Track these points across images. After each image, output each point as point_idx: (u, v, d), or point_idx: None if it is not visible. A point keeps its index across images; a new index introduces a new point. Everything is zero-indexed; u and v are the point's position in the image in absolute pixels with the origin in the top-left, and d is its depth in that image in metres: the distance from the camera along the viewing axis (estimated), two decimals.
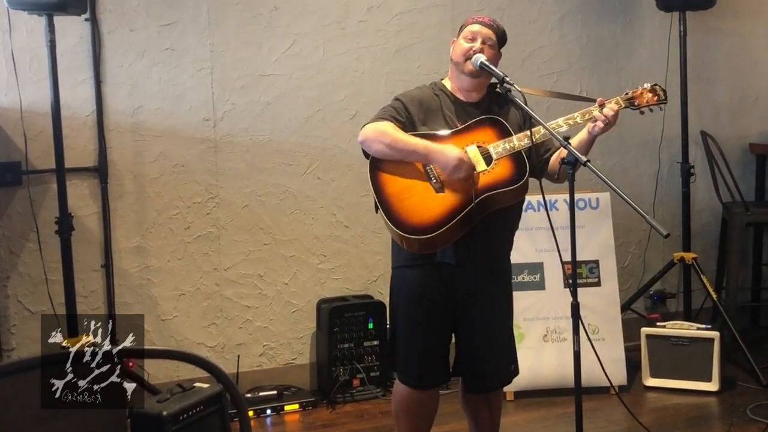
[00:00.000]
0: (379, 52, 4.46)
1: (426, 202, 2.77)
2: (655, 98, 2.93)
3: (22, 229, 3.94)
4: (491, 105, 2.95)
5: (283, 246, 4.36)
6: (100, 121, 4.03)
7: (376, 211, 2.83)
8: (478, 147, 2.83)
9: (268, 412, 4.10)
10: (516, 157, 2.83)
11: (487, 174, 2.80)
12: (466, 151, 2.80)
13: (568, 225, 2.73)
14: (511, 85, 2.81)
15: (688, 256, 4.67)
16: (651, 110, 2.96)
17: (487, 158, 2.82)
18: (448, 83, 2.99)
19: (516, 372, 3.10)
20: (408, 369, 2.99)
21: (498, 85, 2.88)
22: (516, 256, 4.31)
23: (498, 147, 2.82)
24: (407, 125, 2.85)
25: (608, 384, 4.03)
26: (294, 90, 4.33)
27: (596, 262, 4.36)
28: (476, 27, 2.91)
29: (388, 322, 3.57)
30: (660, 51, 4.90)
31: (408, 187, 2.80)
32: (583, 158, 2.61)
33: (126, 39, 4.04)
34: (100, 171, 4.03)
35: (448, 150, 2.76)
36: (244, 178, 4.28)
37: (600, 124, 2.81)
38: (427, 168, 2.81)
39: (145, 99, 4.10)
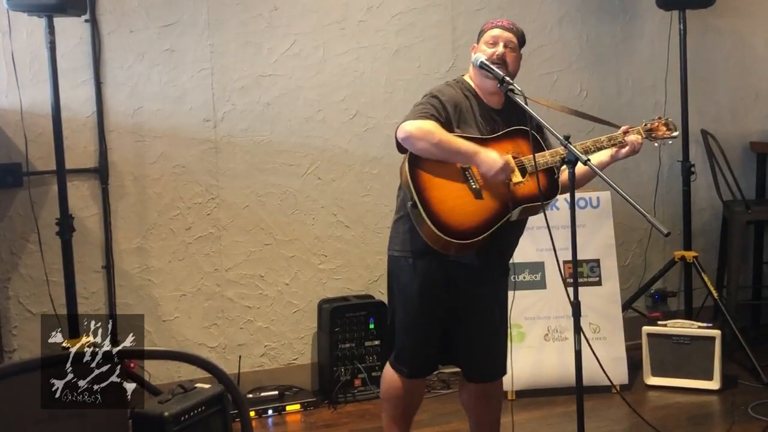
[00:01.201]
0: (379, 52, 4.46)
1: (466, 207, 2.80)
2: (668, 132, 3.14)
3: (22, 231, 3.95)
4: (511, 113, 2.97)
5: (284, 246, 4.36)
6: (100, 122, 4.03)
7: (414, 208, 2.79)
8: (514, 158, 2.87)
9: (270, 412, 4.10)
10: (548, 172, 2.91)
11: (522, 186, 2.86)
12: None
13: (569, 224, 2.74)
14: (512, 85, 2.82)
15: (689, 254, 4.66)
16: (663, 144, 3.22)
17: (522, 170, 2.88)
18: (471, 82, 3.00)
19: (502, 368, 3.17)
20: (401, 358, 3.06)
21: (499, 85, 2.86)
22: (517, 256, 4.30)
23: (533, 161, 2.87)
24: (445, 125, 2.84)
25: (610, 383, 4.03)
26: (294, 90, 4.33)
27: (597, 261, 4.36)
28: (497, 31, 2.94)
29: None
30: (660, 50, 4.90)
31: (447, 189, 2.81)
32: (584, 157, 2.64)
33: (126, 40, 4.04)
34: (101, 172, 4.03)
35: (493, 154, 2.79)
36: (245, 179, 4.28)
37: (625, 150, 2.99)
38: (466, 172, 2.83)
39: (146, 100, 4.10)
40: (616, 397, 4.07)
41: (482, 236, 2.77)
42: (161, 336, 4.17)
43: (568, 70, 4.82)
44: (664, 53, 4.85)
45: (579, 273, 4.25)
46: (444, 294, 2.95)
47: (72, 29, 3.93)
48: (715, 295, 4.57)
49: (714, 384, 4.22)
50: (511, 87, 2.82)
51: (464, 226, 2.77)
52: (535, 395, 4.18)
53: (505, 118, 2.95)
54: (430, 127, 2.79)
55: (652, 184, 5.00)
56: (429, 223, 2.74)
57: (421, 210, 2.76)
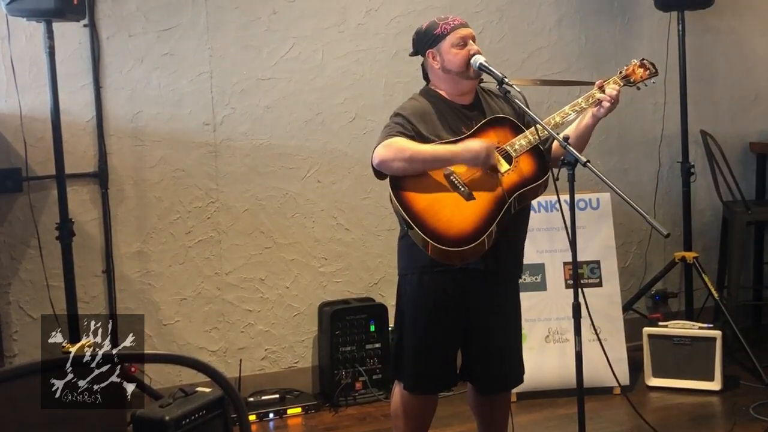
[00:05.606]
0: (378, 55, 4.47)
1: (462, 213, 2.72)
2: (647, 72, 3.03)
3: (23, 236, 3.95)
4: (485, 103, 2.95)
5: (284, 249, 4.36)
6: (99, 126, 4.03)
7: (409, 231, 2.75)
8: (496, 148, 2.80)
9: (271, 416, 4.10)
10: (534, 151, 2.83)
11: (512, 173, 2.79)
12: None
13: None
14: (510, 86, 2.80)
15: (689, 255, 4.66)
16: (646, 85, 3.04)
17: (507, 158, 2.81)
18: (437, 90, 2.96)
19: (523, 372, 3.10)
20: (417, 377, 2.96)
21: (498, 86, 2.84)
22: None
23: (515, 145, 2.81)
24: (416, 138, 2.80)
25: (610, 385, 4.04)
26: (293, 93, 4.33)
27: (597, 262, 4.36)
28: (463, 31, 2.88)
29: (391, 327, 3.57)
30: (659, 50, 4.89)
31: (437, 200, 2.74)
32: (583, 159, 2.61)
33: (125, 44, 4.05)
34: (101, 176, 4.03)
35: (471, 144, 2.74)
36: (245, 182, 4.28)
37: (604, 105, 2.85)
38: (451, 177, 2.77)
39: (145, 104, 4.10)
40: (617, 399, 4.07)
41: (487, 233, 2.70)
42: (162, 340, 4.17)
43: (567, 71, 4.81)
44: (663, 54, 4.85)
45: (579, 274, 4.24)
46: (456, 306, 2.88)
47: (71, 34, 3.94)
48: (716, 295, 4.57)
49: (715, 385, 4.21)
50: (509, 87, 2.79)
51: (465, 232, 2.70)
52: (536, 397, 4.17)
53: (480, 110, 2.91)
54: (400, 144, 2.75)
55: (652, 185, 5.01)
56: (429, 240, 2.68)
57: (418, 230, 2.70)
